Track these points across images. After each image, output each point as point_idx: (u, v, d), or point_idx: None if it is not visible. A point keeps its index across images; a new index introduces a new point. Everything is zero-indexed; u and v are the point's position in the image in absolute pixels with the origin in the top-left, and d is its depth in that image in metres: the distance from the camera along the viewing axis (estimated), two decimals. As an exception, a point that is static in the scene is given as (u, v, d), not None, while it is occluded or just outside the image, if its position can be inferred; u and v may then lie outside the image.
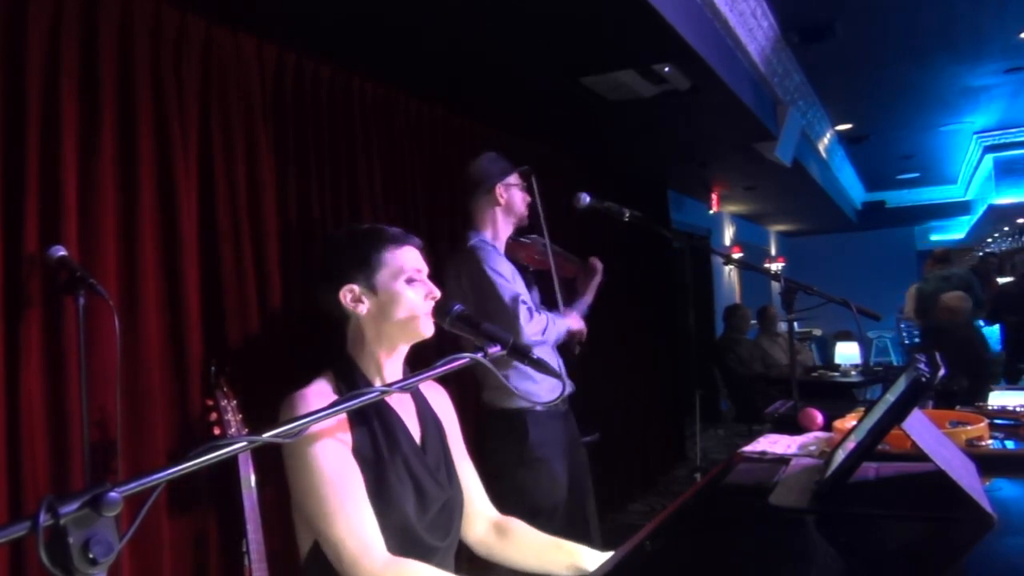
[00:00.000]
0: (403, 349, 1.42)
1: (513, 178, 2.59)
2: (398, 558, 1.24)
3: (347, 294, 1.37)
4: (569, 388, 2.50)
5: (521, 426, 2.43)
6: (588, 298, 2.73)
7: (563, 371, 2.54)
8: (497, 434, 2.49)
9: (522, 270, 2.63)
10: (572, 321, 2.57)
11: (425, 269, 1.43)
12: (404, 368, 1.45)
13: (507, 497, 2.29)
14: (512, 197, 2.57)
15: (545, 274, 2.64)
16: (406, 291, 1.36)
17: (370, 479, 1.28)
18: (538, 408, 2.44)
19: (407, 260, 1.39)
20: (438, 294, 1.39)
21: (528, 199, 2.61)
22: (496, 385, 2.44)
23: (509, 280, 2.41)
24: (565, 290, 2.67)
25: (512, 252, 2.64)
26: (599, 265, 2.77)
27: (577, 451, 2.63)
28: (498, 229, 2.58)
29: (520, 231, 2.68)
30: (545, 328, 2.42)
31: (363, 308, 1.37)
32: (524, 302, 2.40)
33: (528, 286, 2.63)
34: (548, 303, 2.65)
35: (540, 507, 2.35)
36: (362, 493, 1.26)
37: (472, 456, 1.58)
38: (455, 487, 1.42)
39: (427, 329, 1.38)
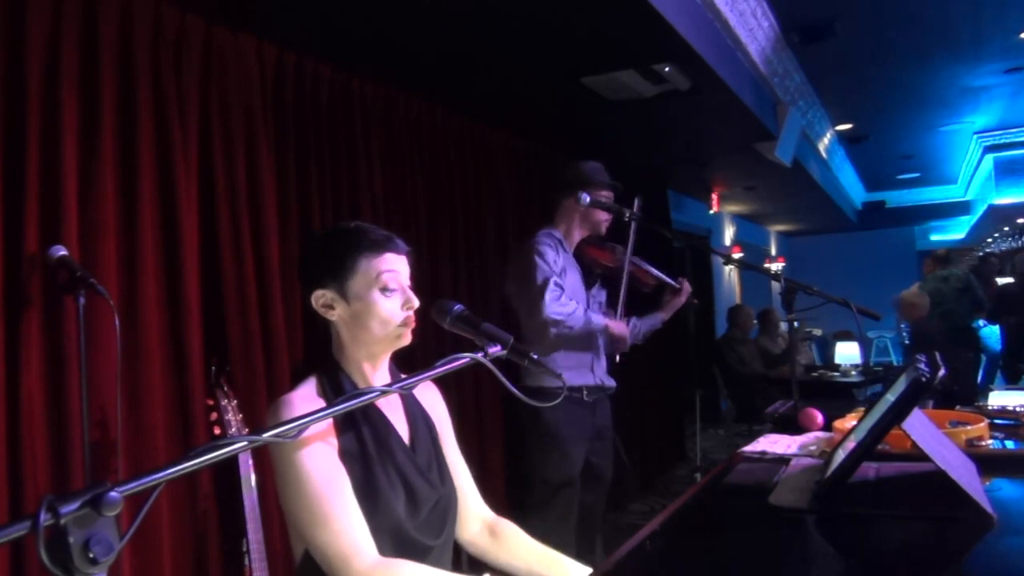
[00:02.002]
0: (385, 354, 1.39)
1: (603, 193, 2.70)
2: (388, 559, 1.23)
3: (318, 299, 1.34)
4: (607, 383, 2.77)
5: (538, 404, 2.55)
6: (663, 315, 2.84)
7: (603, 369, 2.76)
8: (523, 409, 2.69)
9: (588, 270, 2.76)
10: (613, 324, 2.64)
11: (406, 275, 1.35)
12: (391, 368, 1.43)
13: (528, 469, 2.69)
14: (592, 209, 2.68)
15: (618, 282, 2.73)
16: (380, 301, 1.30)
17: (359, 481, 1.27)
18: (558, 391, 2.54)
19: (384, 268, 1.32)
20: (416, 303, 1.33)
21: (608, 217, 2.72)
22: (537, 370, 2.50)
23: (549, 266, 2.56)
24: (632, 298, 2.77)
25: (584, 252, 2.76)
26: (684, 287, 2.83)
27: (601, 444, 2.75)
28: (571, 230, 2.74)
29: (610, 238, 2.80)
30: (571, 313, 2.53)
31: (335, 315, 1.34)
32: (557, 285, 2.54)
33: (588, 285, 2.77)
34: (614, 307, 2.76)
35: (550, 480, 2.60)
36: (350, 496, 1.25)
37: (465, 445, 1.58)
38: (447, 486, 1.41)
39: (402, 340, 1.35)
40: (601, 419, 2.76)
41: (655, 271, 2.84)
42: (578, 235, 2.75)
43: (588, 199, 2.62)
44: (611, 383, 2.79)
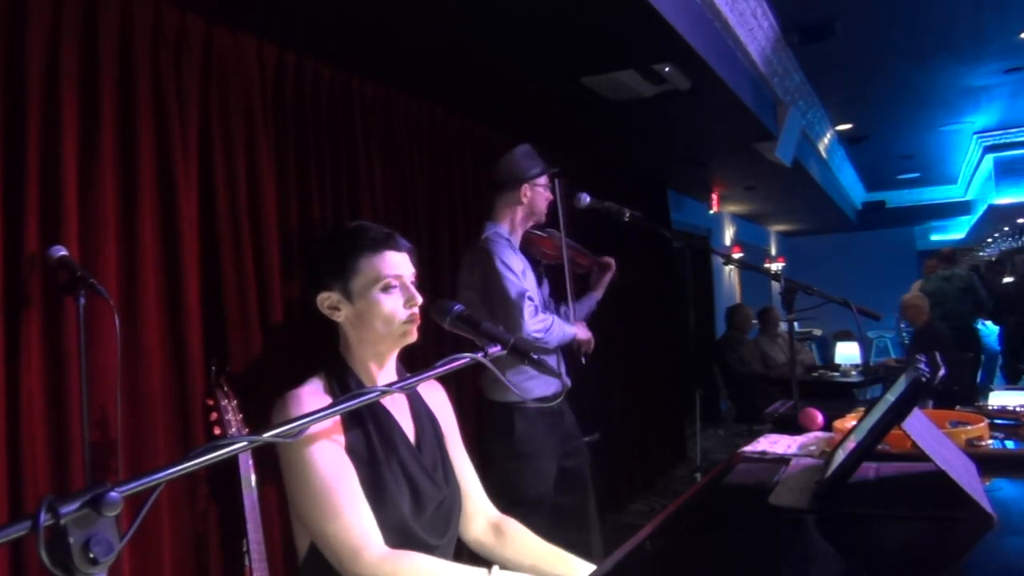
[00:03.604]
0: (392, 353, 1.39)
1: (541, 179, 2.62)
2: (397, 551, 1.24)
3: (324, 301, 1.35)
4: (567, 382, 2.59)
5: (509, 420, 2.49)
6: (597, 294, 2.79)
7: (563, 370, 2.63)
8: (490, 424, 2.58)
9: (534, 264, 2.67)
10: (579, 330, 2.59)
11: (409, 274, 1.36)
12: (398, 367, 1.44)
13: (494, 485, 2.46)
14: (535, 197, 2.61)
15: (559, 269, 2.67)
16: (383, 300, 1.31)
17: (365, 480, 1.28)
18: (529, 404, 2.50)
19: (385, 267, 1.33)
20: (419, 300, 1.34)
21: (550, 199, 2.65)
22: (492, 377, 2.45)
23: (518, 276, 2.45)
24: (576, 285, 2.72)
25: (527, 245, 2.68)
26: (612, 262, 2.80)
27: (573, 448, 2.65)
28: (516, 224, 2.63)
29: (537, 225, 2.71)
30: (549, 328, 2.45)
31: (340, 315, 1.35)
32: (531, 299, 2.44)
33: (539, 280, 2.68)
34: (559, 297, 2.70)
35: (523, 498, 2.45)
36: (358, 490, 1.26)
37: (469, 445, 1.58)
38: (452, 486, 1.42)
39: (408, 336, 1.35)
40: (568, 422, 2.67)
41: (585, 251, 2.80)
42: (522, 228, 2.64)
43: (588, 199, 2.60)
44: (569, 382, 2.66)
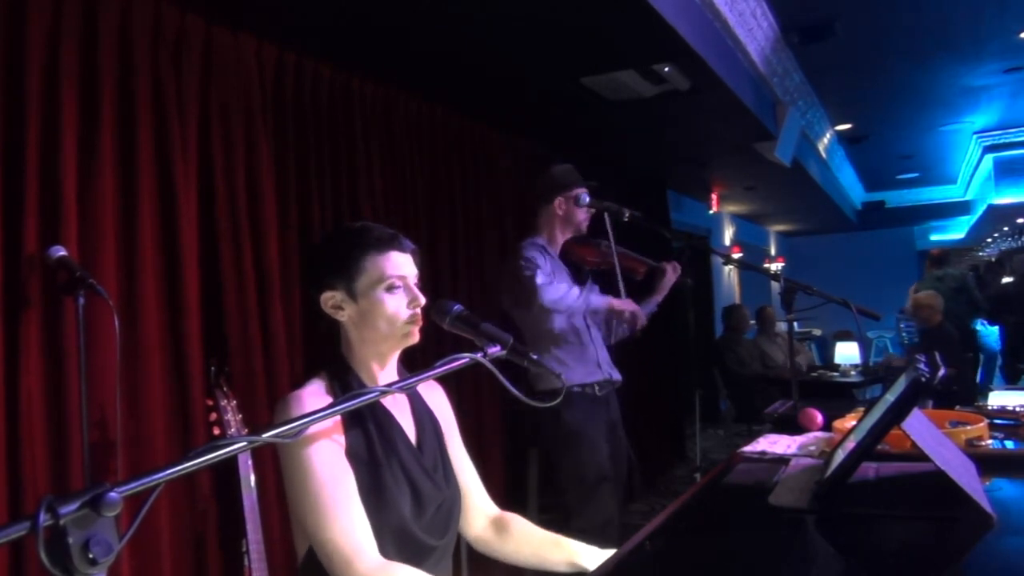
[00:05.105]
0: (393, 353, 1.39)
1: (578, 191, 2.70)
2: (389, 562, 1.23)
3: (327, 301, 1.35)
4: (615, 376, 2.75)
5: (555, 408, 2.51)
6: (659, 296, 2.87)
7: (608, 362, 2.77)
8: (536, 415, 2.68)
9: (577, 269, 2.78)
10: (618, 302, 2.65)
11: (413, 275, 1.36)
12: (399, 368, 1.44)
13: (560, 473, 2.66)
14: (571, 210, 2.70)
15: (610, 275, 2.74)
16: (387, 299, 1.31)
17: (365, 481, 1.27)
18: (574, 390, 2.60)
19: (389, 267, 1.33)
20: (423, 301, 1.34)
21: (590, 211, 2.73)
22: (535, 371, 2.48)
23: (535, 263, 2.56)
24: (634, 288, 2.81)
25: (570, 252, 2.78)
26: (674, 268, 2.87)
27: (616, 438, 2.75)
28: (555, 235, 2.75)
29: (593, 233, 2.81)
30: (565, 295, 2.53)
31: (344, 315, 1.35)
32: (544, 275, 2.54)
33: (581, 283, 2.76)
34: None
35: (585, 479, 2.58)
36: (355, 496, 1.25)
37: (468, 444, 1.58)
38: (452, 486, 1.42)
39: (410, 337, 1.36)
40: (613, 414, 2.77)
41: (641, 257, 2.86)
42: (561, 238, 2.76)
43: (588, 199, 2.64)
44: (618, 376, 2.78)
